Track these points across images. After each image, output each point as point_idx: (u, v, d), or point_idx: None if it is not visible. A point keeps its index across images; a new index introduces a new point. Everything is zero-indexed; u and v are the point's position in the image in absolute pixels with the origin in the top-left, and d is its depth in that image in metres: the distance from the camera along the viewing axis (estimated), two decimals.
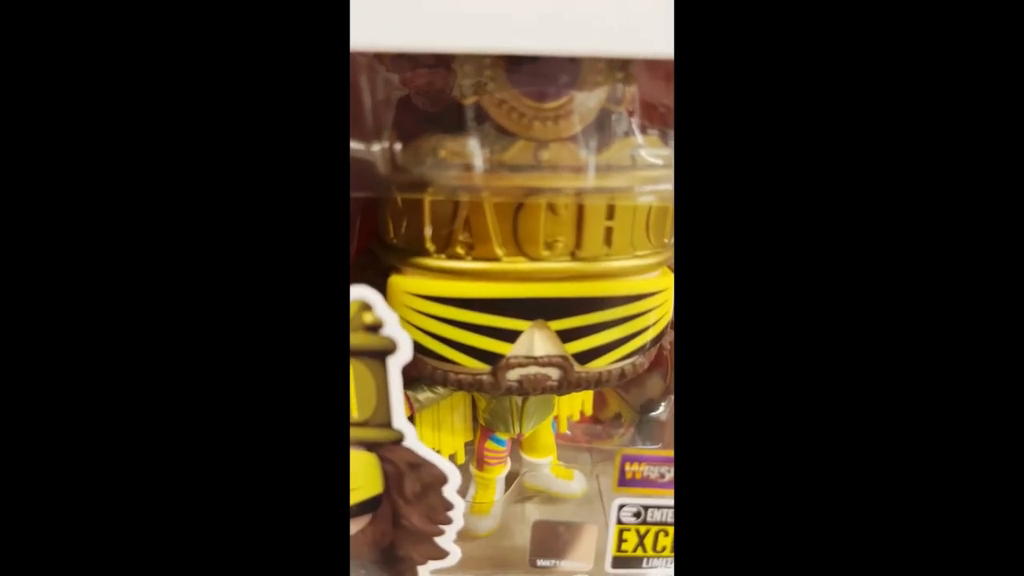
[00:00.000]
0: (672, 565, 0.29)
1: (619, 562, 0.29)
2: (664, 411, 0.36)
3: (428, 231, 0.23)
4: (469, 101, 0.22)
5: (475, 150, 0.21)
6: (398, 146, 0.21)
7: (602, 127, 0.22)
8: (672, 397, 0.35)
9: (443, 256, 0.24)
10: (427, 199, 0.23)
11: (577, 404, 0.36)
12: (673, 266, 0.27)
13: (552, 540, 0.30)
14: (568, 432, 0.37)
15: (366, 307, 0.21)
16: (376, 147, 0.21)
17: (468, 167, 0.21)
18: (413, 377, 0.27)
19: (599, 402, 0.37)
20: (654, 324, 0.26)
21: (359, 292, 0.20)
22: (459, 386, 0.26)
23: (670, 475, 0.27)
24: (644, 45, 0.16)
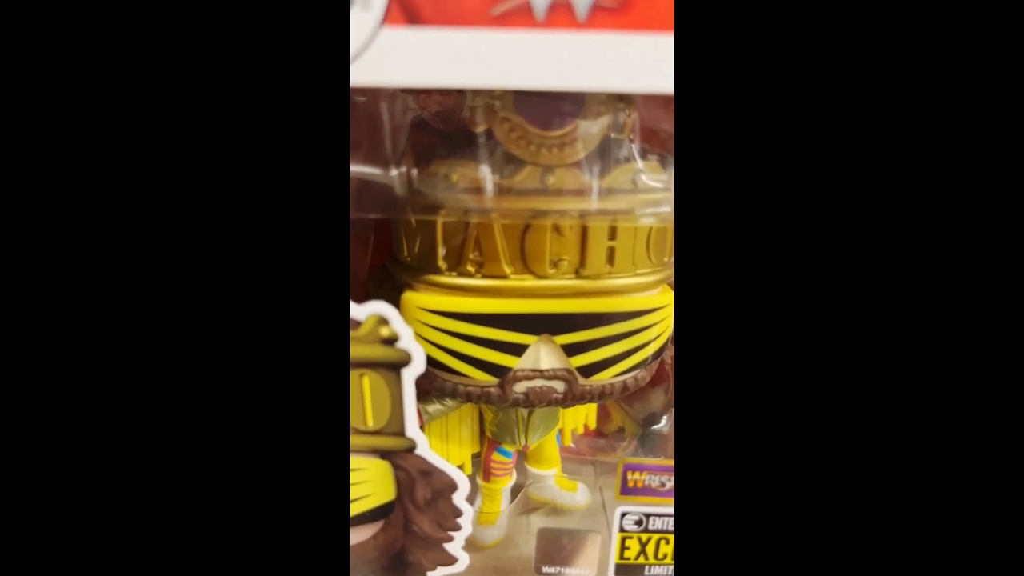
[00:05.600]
0: (672, 574, 0.30)
1: (622, 570, 0.30)
2: (666, 424, 0.36)
3: (441, 250, 0.25)
4: (480, 129, 0.23)
5: (485, 175, 0.23)
6: (414, 171, 0.23)
7: (604, 153, 0.23)
8: (674, 410, 0.36)
9: (454, 273, 0.25)
10: (440, 220, 0.24)
11: (581, 417, 0.37)
12: (673, 283, 0.28)
13: (556, 548, 0.30)
14: (572, 445, 0.38)
15: (383, 321, 0.22)
16: (394, 172, 0.23)
17: (479, 190, 0.23)
18: (423, 389, 0.28)
19: (603, 415, 0.38)
20: (655, 339, 0.27)
21: (376, 307, 0.22)
22: (468, 398, 0.27)
23: (671, 484, 0.28)
24: (646, 82, 0.18)
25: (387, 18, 0.17)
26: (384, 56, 0.17)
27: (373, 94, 0.22)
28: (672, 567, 0.29)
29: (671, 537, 0.29)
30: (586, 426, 0.37)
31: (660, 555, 0.29)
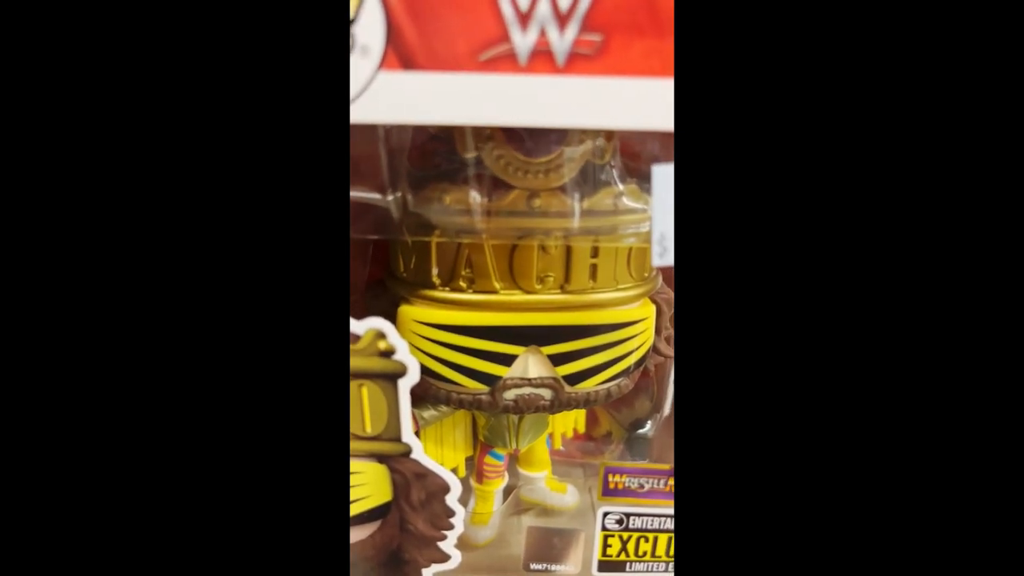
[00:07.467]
0: (652, 569, 0.31)
1: (604, 566, 0.31)
2: (651, 429, 0.38)
3: (434, 268, 0.26)
4: (470, 155, 0.25)
5: (476, 198, 0.24)
6: (410, 196, 0.24)
7: (586, 178, 0.25)
8: (658, 416, 0.37)
9: (447, 289, 0.27)
10: (434, 240, 0.26)
11: (570, 422, 0.38)
12: (672, 296, 0.30)
13: (545, 546, 0.32)
14: (562, 448, 0.39)
15: (381, 335, 0.24)
16: (390, 197, 0.24)
17: (470, 212, 0.25)
18: (419, 396, 0.29)
19: (591, 420, 0.39)
20: (636, 349, 0.29)
21: (374, 323, 0.23)
22: (460, 405, 0.29)
23: (649, 485, 0.30)
24: (618, 119, 0.19)
25: (384, 63, 0.19)
26: (381, 97, 0.19)
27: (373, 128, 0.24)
28: (651, 563, 0.31)
29: (650, 535, 0.31)
30: (575, 430, 0.39)
31: (640, 552, 0.31)
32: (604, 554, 0.31)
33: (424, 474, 0.27)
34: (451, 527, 0.28)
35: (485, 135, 0.24)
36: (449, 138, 0.26)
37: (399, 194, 0.24)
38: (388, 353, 0.24)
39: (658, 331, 0.31)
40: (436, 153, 0.26)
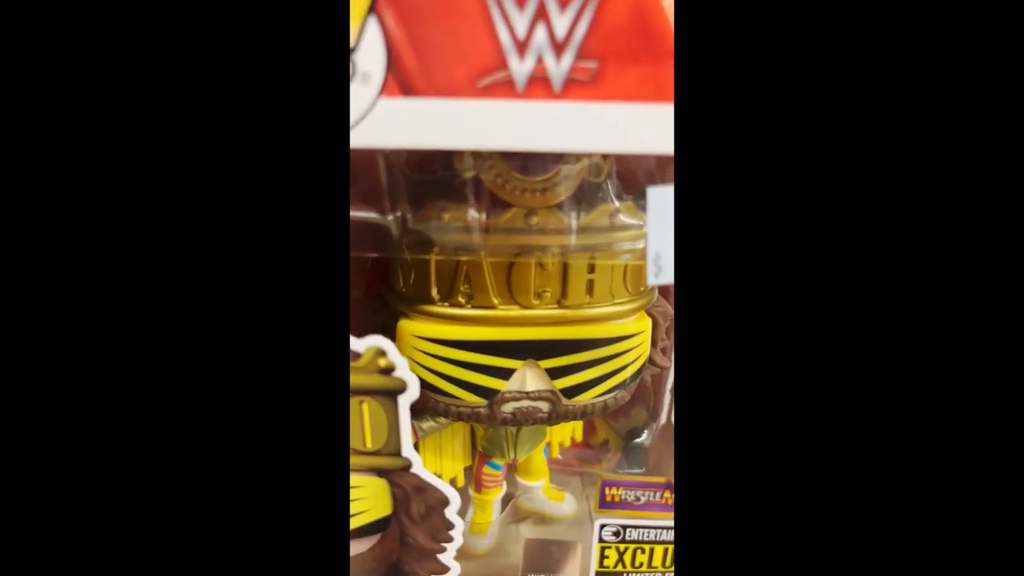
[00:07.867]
0: None
1: None
2: (648, 438, 0.38)
3: (434, 285, 0.27)
4: (469, 175, 0.25)
5: (474, 216, 0.25)
6: (409, 214, 0.25)
7: (583, 196, 0.25)
8: (655, 425, 0.38)
9: (446, 304, 0.27)
10: (433, 257, 0.26)
11: (568, 431, 0.38)
12: (667, 309, 0.30)
13: (542, 557, 0.32)
14: (560, 457, 0.39)
15: (381, 353, 0.24)
16: (390, 216, 0.25)
17: (468, 230, 0.25)
18: (418, 408, 0.30)
19: (589, 429, 0.40)
20: (633, 362, 0.29)
21: (374, 341, 0.24)
22: (459, 417, 0.29)
23: (645, 498, 0.30)
24: (612, 143, 0.20)
25: (384, 90, 0.19)
26: (382, 122, 0.19)
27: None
28: (647, 575, 0.31)
29: (647, 547, 0.31)
30: (573, 439, 0.39)
31: (636, 564, 0.31)
32: (601, 565, 0.32)
33: (423, 488, 0.27)
34: (450, 539, 0.29)
35: (483, 154, 0.24)
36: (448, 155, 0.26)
37: (399, 213, 0.25)
38: (388, 370, 0.24)
39: (654, 343, 0.31)
40: (435, 160, 0.26)
